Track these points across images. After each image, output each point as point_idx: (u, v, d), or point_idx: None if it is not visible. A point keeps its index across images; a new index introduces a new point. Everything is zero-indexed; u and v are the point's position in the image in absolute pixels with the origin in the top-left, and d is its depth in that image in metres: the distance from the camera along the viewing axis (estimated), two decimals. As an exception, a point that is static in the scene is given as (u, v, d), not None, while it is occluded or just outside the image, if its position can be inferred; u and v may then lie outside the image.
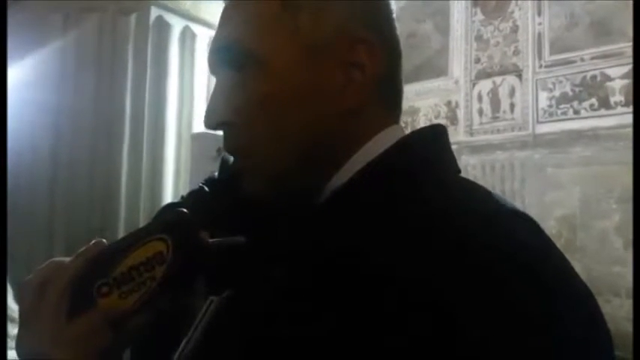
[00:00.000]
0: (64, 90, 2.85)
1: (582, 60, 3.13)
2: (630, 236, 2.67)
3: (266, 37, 0.48)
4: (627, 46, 2.96)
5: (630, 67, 2.94)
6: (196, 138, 2.88)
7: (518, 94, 3.38)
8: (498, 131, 3.44)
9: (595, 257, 2.87)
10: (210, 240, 0.49)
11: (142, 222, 2.78)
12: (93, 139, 2.84)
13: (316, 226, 0.46)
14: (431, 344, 0.35)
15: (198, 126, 3.04)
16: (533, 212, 0.45)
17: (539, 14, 3.33)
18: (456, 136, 3.44)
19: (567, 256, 0.43)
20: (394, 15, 0.54)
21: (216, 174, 0.61)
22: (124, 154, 2.88)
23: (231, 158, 0.55)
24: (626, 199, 2.71)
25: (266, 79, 0.48)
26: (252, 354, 0.43)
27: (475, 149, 3.47)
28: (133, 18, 2.95)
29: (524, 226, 0.43)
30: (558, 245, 0.43)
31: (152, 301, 0.46)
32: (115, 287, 0.46)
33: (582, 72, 3.13)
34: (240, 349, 0.44)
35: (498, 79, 3.47)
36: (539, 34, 3.31)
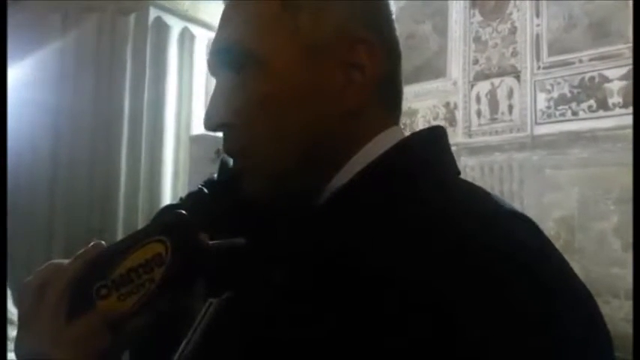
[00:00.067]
0: (64, 90, 2.85)
1: (580, 61, 3.14)
2: (629, 237, 2.67)
3: (266, 38, 0.48)
4: (625, 48, 2.97)
5: (628, 68, 2.95)
6: (195, 140, 2.88)
7: (516, 95, 3.39)
8: (497, 133, 3.44)
9: (593, 258, 2.87)
10: (210, 242, 0.49)
11: (141, 223, 2.77)
12: (92, 140, 2.84)
13: (316, 227, 0.46)
14: (431, 345, 0.35)
15: (197, 127, 3.04)
16: (531, 213, 0.45)
17: (537, 16, 3.34)
18: (455, 138, 3.44)
19: (566, 257, 0.43)
20: (394, 16, 0.54)
21: (216, 176, 0.61)
22: (123, 155, 2.88)
23: (231, 160, 0.55)
24: (625, 200, 2.72)
25: (266, 79, 0.48)
26: (252, 356, 0.43)
27: (473, 150, 3.48)
28: (131, 19, 2.95)
29: (523, 227, 0.43)
30: (557, 246, 0.43)
31: (151, 302, 0.46)
32: (113, 289, 0.46)
33: (580, 73, 3.14)
34: (239, 351, 0.44)
35: (497, 81, 3.48)
36: (538, 36, 3.32)
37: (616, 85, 3.01)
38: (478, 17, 3.61)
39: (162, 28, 3.04)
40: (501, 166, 3.40)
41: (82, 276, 0.46)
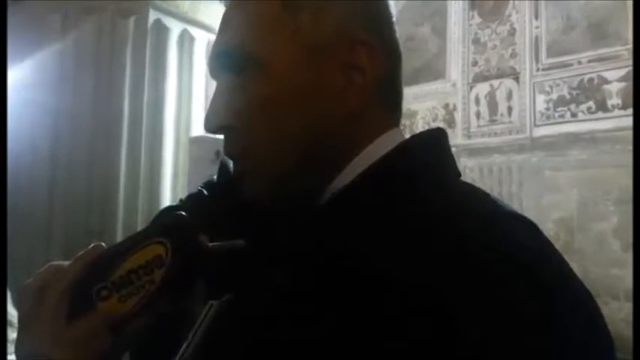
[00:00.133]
0: (63, 92, 2.85)
1: (579, 63, 3.14)
2: (628, 238, 2.67)
3: (266, 40, 0.48)
4: (624, 49, 2.98)
5: (627, 69, 2.95)
6: (195, 141, 2.88)
7: (515, 97, 3.39)
8: (496, 134, 3.45)
9: (593, 259, 2.88)
10: (210, 244, 0.49)
11: (140, 224, 2.77)
12: (91, 141, 2.84)
13: (318, 229, 0.46)
14: (432, 346, 0.35)
15: (197, 129, 3.05)
16: (530, 215, 0.45)
17: (536, 17, 3.34)
18: (454, 139, 3.45)
19: (565, 258, 0.43)
20: (394, 18, 0.54)
21: (215, 177, 0.61)
22: (123, 157, 2.88)
23: (230, 162, 0.56)
24: (624, 201, 2.72)
25: (266, 81, 0.48)
26: (253, 358, 0.43)
27: (473, 152, 3.48)
28: (131, 21, 2.95)
29: (523, 228, 0.43)
30: (556, 248, 0.44)
31: (151, 304, 0.46)
32: (114, 291, 0.46)
33: (579, 75, 3.14)
34: (240, 353, 0.44)
35: (496, 82, 3.48)
36: (537, 37, 3.33)
37: (615, 87, 3.02)
38: (477, 19, 3.62)
39: (161, 30, 3.04)
40: (500, 167, 3.40)
41: (83, 277, 0.46)
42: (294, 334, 0.40)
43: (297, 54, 0.48)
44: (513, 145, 3.36)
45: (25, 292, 0.47)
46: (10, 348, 1.25)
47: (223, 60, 0.51)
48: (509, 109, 3.42)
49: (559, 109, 3.22)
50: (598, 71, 3.09)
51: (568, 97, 3.19)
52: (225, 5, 0.53)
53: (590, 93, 3.11)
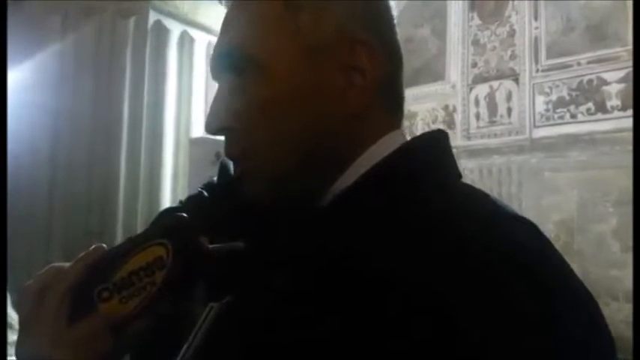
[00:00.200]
0: (63, 93, 2.85)
1: (579, 64, 3.15)
2: (627, 240, 2.68)
3: (267, 40, 0.48)
4: (623, 50, 2.98)
5: (627, 71, 2.96)
6: (195, 142, 2.88)
7: (515, 98, 3.40)
8: (495, 135, 3.45)
9: (592, 260, 2.88)
10: (210, 245, 0.49)
11: (140, 225, 2.77)
12: (91, 142, 2.84)
13: (321, 230, 0.46)
14: (433, 347, 0.35)
15: (197, 130, 3.05)
16: (530, 216, 0.45)
17: (535, 18, 3.35)
18: (454, 141, 3.44)
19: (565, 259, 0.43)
20: (395, 20, 0.54)
21: (215, 179, 0.61)
22: (122, 158, 2.88)
23: (230, 163, 0.56)
24: (623, 202, 2.73)
25: (267, 82, 0.48)
26: None
27: (472, 153, 3.48)
28: (131, 22, 2.95)
29: (523, 229, 0.43)
30: (556, 249, 0.44)
31: (152, 305, 0.46)
32: (115, 292, 0.46)
33: (579, 76, 3.15)
34: (240, 355, 0.44)
35: (495, 84, 3.49)
36: (536, 39, 3.33)
37: (614, 88, 3.03)
38: (477, 20, 3.62)
39: (161, 32, 3.04)
40: (500, 168, 3.40)
41: (84, 279, 0.46)
42: (295, 336, 0.40)
43: (297, 55, 0.48)
44: (513, 147, 3.37)
45: (25, 293, 0.47)
46: (10, 350, 1.25)
47: (224, 61, 0.51)
48: (509, 111, 3.42)
49: (558, 110, 3.22)
50: (597, 72, 3.09)
51: (567, 98, 3.19)
52: (227, 6, 0.53)
53: (589, 94, 3.12)
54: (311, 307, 0.41)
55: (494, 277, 0.37)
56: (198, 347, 0.48)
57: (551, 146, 3.21)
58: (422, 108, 3.76)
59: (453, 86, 3.69)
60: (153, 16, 3.01)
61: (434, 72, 3.76)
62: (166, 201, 2.95)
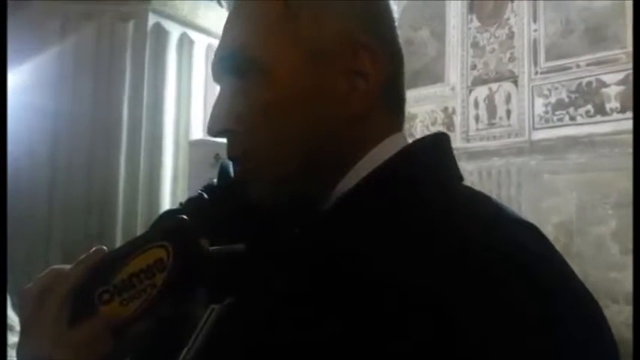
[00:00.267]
0: (62, 95, 2.85)
1: (578, 66, 3.16)
2: (627, 242, 2.68)
3: (269, 43, 0.48)
4: (622, 53, 2.99)
5: (626, 73, 2.96)
6: (194, 144, 2.88)
7: (514, 100, 3.40)
8: (494, 137, 3.45)
9: (592, 263, 2.88)
10: (210, 247, 0.49)
11: (140, 228, 2.77)
12: (91, 145, 2.84)
13: (324, 232, 0.46)
14: (433, 348, 0.35)
15: (196, 132, 3.05)
16: (529, 218, 0.46)
17: (534, 21, 3.35)
18: (453, 143, 3.42)
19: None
20: (396, 23, 0.54)
21: (215, 181, 0.61)
22: (122, 160, 2.88)
23: (230, 165, 0.56)
24: (622, 205, 2.73)
25: (268, 85, 0.48)
26: None
27: (471, 155, 3.48)
28: (131, 24, 2.96)
29: (525, 231, 0.43)
30: (555, 251, 0.44)
31: (153, 308, 0.46)
32: (116, 294, 0.46)
33: (578, 78, 3.16)
34: (241, 357, 0.44)
35: (494, 86, 3.49)
36: (535, 41, 3.34)
37: (613, 90, 3.03)
38: (476, 22, 3.63)
39: (161, 34, 3.05)
40: (499, 170, 3.41)
41: (84, 281, 0.46)
42: (296, 337, 0.40)
43: (300, 58, 0.48)
44: (512, 149, 3.37)
45: (26, 296, 0.47)
46: (10, 352, 1.25)
47: (226, 63, 0.51)
48: (508, 113, 3.43)
49: (558, 112, 3.22)
50: (596, 75, 3.10)
51: (567, 100, 3.20)
52: (227, 8, 0.53)
53: (588, 96, 3.12)
54: (313, 309, 0.41)
55: (494, 278, 0.37)
56: (199, 349, 0.48)
57: (550, 148, 3.21)
58: (421, 110, 3.77)
59: (452, 88, 3.69)
60: (152, 19, 3.01)
61: (433, 74, 3.76)
62: (166, 203, 2.95)
